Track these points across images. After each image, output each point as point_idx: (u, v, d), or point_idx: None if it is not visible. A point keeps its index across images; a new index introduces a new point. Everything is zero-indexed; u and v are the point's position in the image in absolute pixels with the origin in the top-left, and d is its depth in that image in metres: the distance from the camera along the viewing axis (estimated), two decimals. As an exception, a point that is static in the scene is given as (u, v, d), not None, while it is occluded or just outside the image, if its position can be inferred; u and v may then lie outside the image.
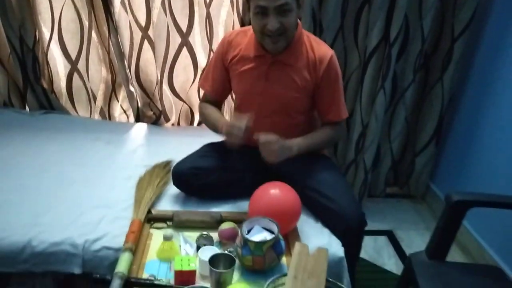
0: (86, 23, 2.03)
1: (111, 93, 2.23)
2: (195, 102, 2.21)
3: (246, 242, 1.21)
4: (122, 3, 1.95)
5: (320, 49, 1.52)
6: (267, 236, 1.25)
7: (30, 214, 1.44)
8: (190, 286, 1.13)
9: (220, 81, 1.62)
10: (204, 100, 1.72)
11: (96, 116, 2.27)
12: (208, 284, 1.17)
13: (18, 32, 1.99)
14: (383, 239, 2.19)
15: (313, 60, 1.50)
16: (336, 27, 2.05)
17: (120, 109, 2.30)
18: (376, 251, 2.09)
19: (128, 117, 2.32)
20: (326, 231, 1.45)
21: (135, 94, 2.17)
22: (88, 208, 1.49)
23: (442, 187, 2.35)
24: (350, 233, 1.41)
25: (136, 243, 1.29)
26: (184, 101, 2.18)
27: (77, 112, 2.29)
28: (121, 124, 2.25)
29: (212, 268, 1.14)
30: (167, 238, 1.27)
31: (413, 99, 2.24)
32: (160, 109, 2.18)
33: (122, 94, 2.25)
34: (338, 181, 1.54)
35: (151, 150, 1.93)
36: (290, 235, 1.39)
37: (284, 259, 1.31)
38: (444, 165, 2.35)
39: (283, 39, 1.42)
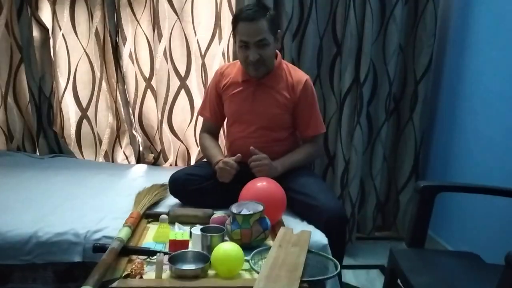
0: (98, 74, 2.35)
1: (115, 139, 2.46)
2: (192, 143, 2.43)
3: (234, 217, 1.34)
4: (130, 56, 2.30)
5: (297, 74, 1.82)
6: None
7: (38, 213, 1.57)
8: (181, 250, 1.23)
9: (216, 106, 1.88)
10: (203, 128, 1.96)
11: (101, 159, 2.47)
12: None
13: (38, 83, 2.29)
14: (375, 272, 2.23)
15: (291, 82, 1.78)
16: (313, 76, 2.36)
17: (123, 155, 2.51)
18: (369, 281, 2.12)
19: (129, 163, 2.51)
20: (311, 227, 1.56)
21: (137, 138, 2.40)
22: (91, 211, 1.62)
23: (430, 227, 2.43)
24: (332, 225, 1.53)
25: (135, 227, 1.40)
26: (181, 141, 2.40)
27: (83, 156, 2.50)
28: (123, 165, 2.44)
29: (203, 233, 1.26)
30: (163, 220, 1.39)
31: (388, 138, 2.46)
32: (159, 150, 2.39)
33: (125, 141, 2.48)
34: (318, 182, 1.72)
35: (150, 180, 2.08)
36: (276, 226, 1.50)
37: (270, 242, 1.41)
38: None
39: (263, 67, 1.72)
